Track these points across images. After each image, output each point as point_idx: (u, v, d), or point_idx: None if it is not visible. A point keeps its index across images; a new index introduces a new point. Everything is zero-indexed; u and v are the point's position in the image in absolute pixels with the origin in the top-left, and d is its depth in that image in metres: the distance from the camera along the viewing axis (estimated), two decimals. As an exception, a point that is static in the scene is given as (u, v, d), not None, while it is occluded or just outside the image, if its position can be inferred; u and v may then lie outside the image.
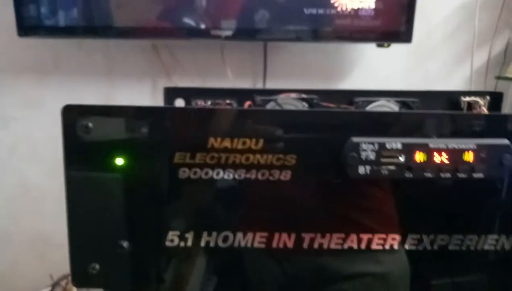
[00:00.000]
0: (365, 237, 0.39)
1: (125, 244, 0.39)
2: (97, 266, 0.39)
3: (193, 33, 0.98)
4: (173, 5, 0.99)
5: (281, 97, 0.56)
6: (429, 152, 0.37)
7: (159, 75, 1.08)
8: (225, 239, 0.39)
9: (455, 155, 0.37)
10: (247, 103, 0.53)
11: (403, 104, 0.62)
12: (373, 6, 0.97)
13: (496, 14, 1.05)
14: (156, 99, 1.09)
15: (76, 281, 0.40)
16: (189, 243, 0.39)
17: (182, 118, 0.38)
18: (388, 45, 1.01)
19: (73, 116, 0.37)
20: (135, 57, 1.07)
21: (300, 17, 0.98)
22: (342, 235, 0.39)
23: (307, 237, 0.39)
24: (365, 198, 0.39)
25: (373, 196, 0.39)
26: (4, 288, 1.20)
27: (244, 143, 0.37)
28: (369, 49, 1.07)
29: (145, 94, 1.09)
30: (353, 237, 0.39)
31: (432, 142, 0.37)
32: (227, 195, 0.39)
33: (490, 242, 0.39)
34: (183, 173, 0.38)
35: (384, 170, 0.37)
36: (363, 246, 0.39)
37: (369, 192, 0.38)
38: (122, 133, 0.37)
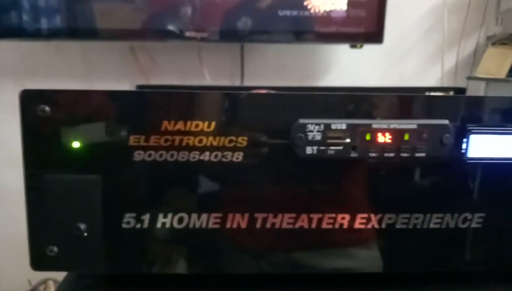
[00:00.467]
0: (315, 216, 0.40)
1: (82, 226, 0.40)
2: (55, 249, 0.40)
3: (169, 35, 1.00)
4: (151, 9, 1.01)
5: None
6: (372, 132, 0.38)
7: (137, 77, 1.10)
8: (180, 220, 0.40)
9: (398, 135, 0.38)
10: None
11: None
12: (345, 8, 1.00)
13: (463, 16, 1.09)
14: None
15: (35, 264, 0.41)
16: (145, 225, 0.40)
17: (137, 102, 0.39)
18: (361, 46, 1.04)
19: (31, 100, 0.38)
20: (113, 60, 1.09)
21: (275, 19, 1.00)
22: (294, 215, 0.40)
23: (260, 217, 0.40)
24: (314, 178, 0.40)
25: (321, 176, 0.40)
26: (-18, 293, 1.19)
27: (197, 126, 0.39)
28: (345, 50, 1.09)
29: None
30: (304, 216, 0.40)
31: (376, 123, 0.38)
32: (182, 176, 0.40)
33: (435, 221, 0.41)
34: (138, 155, 0.39)
35: (331, 150, 0.38)
36: (313, 225, 0.41)
37: (317, 172, 0.40)
38: (79, 117, 0.39)
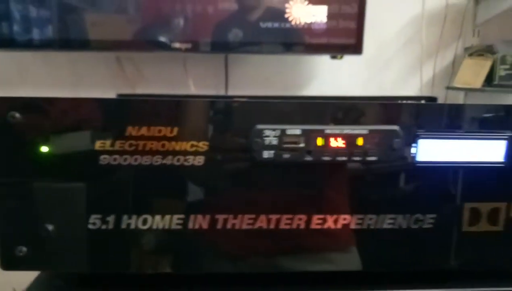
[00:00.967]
0: (273, 217, 0.42)
1: (50, 227, 0.42)
2: (24, 249, 0.42)
3: (158, 45, 1.03)
4: (144, 20, 1.04)
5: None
6: (326, 137, 0.40)
7: (123, 87, 1.12)
8: (144, 221, 0.42)
9: (350, 139, 0.41)
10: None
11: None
12: (325, 20, 1.03)
13: (441, 29, 1.12)
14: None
15: (5, 264, 0.42)
16: (111, 226, 0.42)
17: (103, 108, 0.41)
18: (341, 57, 1.07)
19: (2, 107, 0.40)
20: (99, 70, 1.11)
21: (257, 30, 1.03)
22: (253, 216, 0.42)
23: (220, 218, 0.42)
24: (271, 181, 0.42)
25: (278, 180, 0.42)
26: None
27: (159, 131, 0.41)
28: (327, 61, 1.12)
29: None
30: (263, 217, 0.42)
31: (329, 129, 0.41)
32: (145, 180, 0.42)
33: (388, 222, 0.43)
34: (104, 159, 0.41)
35: (286, 154, 0.41)
36: (272, 226, 0.42)
37: (274, 175, 0.42)
38: (48, 123, 0.41)
